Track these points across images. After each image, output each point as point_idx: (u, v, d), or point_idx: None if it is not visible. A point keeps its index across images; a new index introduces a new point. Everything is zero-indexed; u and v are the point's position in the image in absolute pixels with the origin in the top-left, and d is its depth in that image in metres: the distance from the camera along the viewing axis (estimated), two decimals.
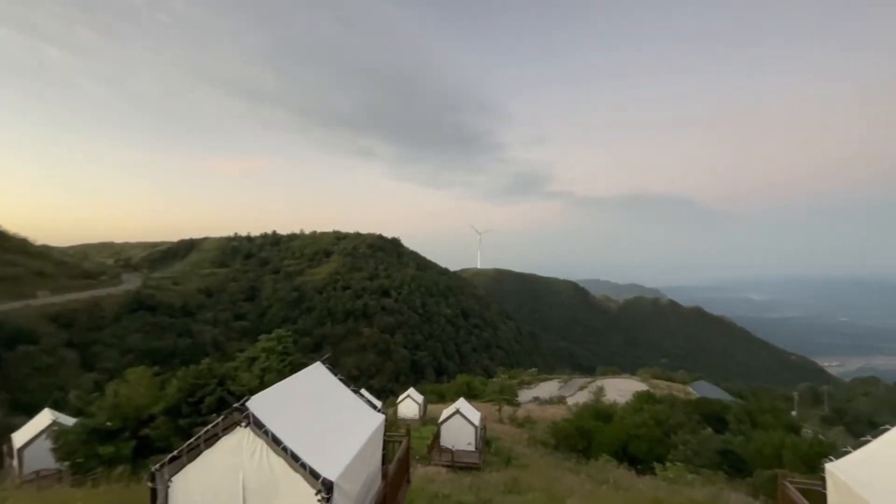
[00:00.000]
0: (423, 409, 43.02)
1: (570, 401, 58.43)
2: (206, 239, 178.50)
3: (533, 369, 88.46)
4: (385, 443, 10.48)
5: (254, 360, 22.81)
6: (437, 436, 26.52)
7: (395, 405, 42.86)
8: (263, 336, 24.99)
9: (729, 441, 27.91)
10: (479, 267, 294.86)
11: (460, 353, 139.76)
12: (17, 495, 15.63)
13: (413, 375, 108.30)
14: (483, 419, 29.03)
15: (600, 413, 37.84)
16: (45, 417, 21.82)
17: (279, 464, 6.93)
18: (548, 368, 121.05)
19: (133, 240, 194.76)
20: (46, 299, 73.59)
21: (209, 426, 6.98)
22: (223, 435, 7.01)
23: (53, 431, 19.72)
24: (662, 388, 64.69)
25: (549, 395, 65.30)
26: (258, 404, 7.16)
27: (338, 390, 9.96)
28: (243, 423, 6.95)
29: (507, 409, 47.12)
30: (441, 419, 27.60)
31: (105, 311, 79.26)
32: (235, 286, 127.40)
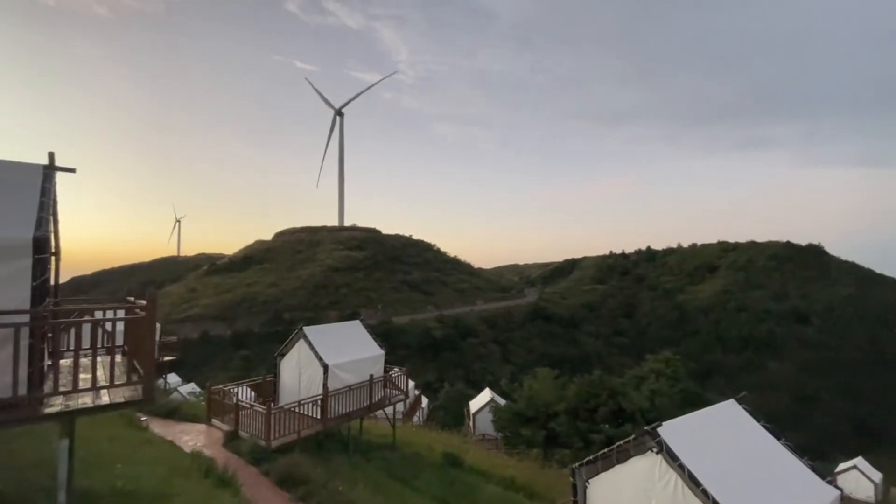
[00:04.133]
0: (883, 492, 29.36)
1: None
2: (584, 258, 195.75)
3: None
4: None
5: (641, 379, 22.45)
6: None
7: (831, 475, 31.32)
8: (650, 357, 24.27)
9: None
10: None
11: None
12: (474, 448, 21.62)
13: (858, 439, 76.29)
14: None
15: None
16: (486, 394, 29.49)
17: None
18: None
19: (531, 261, 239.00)
20: (481, 306, 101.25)
21: (621, 442, 7.13)
22: (634, 454, 6.96)
23: (492, 407, 26.26)
24: None
25: None
26: (670, 433, 6.70)
27: (764, 441, 8.00)
28: (655, 449, 6.67)
29: None
30: None
31: (515, 317, 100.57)
32: (613, 302, 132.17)
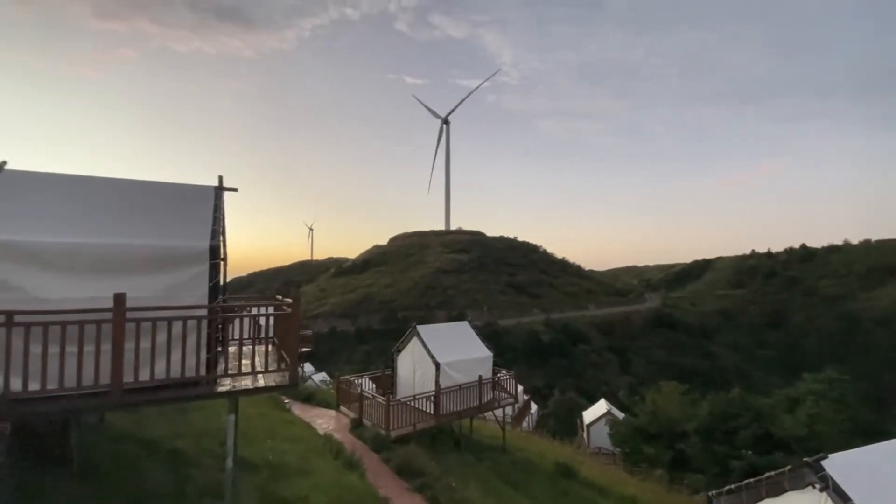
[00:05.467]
0: None
1: None
2: (718, 258, 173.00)
3: None
4: None
5: (796, 401, 19.01)
6: None
7: None
8: (808, 375, 20.44)
9: None
10: None
11: None
12: (589, 461, 20.51)
13: None
14: None
15: None
16: (602, 405, 27.76)
17: None
18: None
19: (652, 262, 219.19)
20: (593, 311, 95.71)
21: (772, 473, 6.13)
22: (790, 488, 5.93)
23: (609, 419, 24.61)
24: None
25: None
26: (838, 467, 5.56)
27: None
28: (818, 486, 5.59)
29: None
30: None
31: (633, 324, 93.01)
32: (756, 309, 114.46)
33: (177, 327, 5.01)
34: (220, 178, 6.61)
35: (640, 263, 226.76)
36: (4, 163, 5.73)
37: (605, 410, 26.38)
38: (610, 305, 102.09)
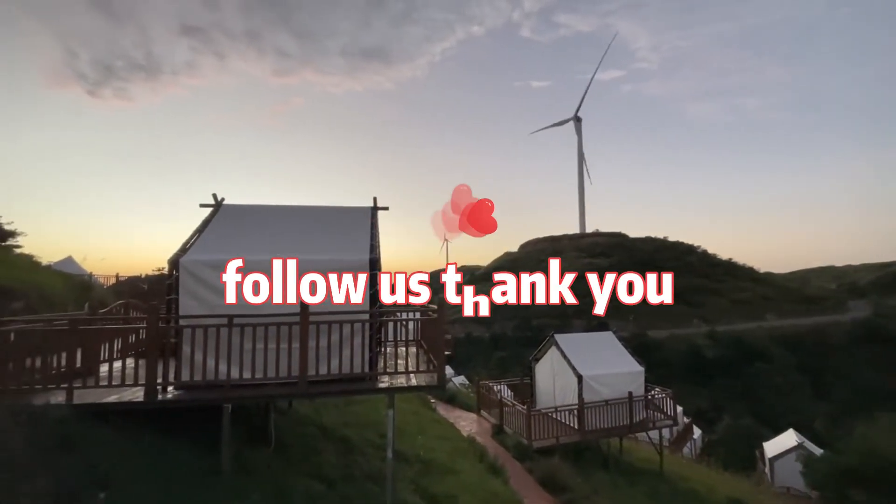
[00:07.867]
0: None
1: None
2: None
3: None
4: None
5: None
6: None
7: None
8: None
9: None
10: None
11: None
12: (773, 502, 17.12)
13: None
14: None
15: None
16: (790, 437, 22.93)
17: None
18: None
19: (856, 261, 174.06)
20: (773, 322, 79.88)
21: None
22: None
23: (801, 455, 20.16)
24: None
25: None
26: None
27: None
28: None
29: None
30: None
31: (832, 338, 74.90)
32: None
33: (346, 329, 5.79)
34: (375, 200, 7.47)
35: (840, 263, 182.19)
36: (222, 199, 7.41)
37: (796, 443, 21.59)
38: (797, 315, 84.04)
